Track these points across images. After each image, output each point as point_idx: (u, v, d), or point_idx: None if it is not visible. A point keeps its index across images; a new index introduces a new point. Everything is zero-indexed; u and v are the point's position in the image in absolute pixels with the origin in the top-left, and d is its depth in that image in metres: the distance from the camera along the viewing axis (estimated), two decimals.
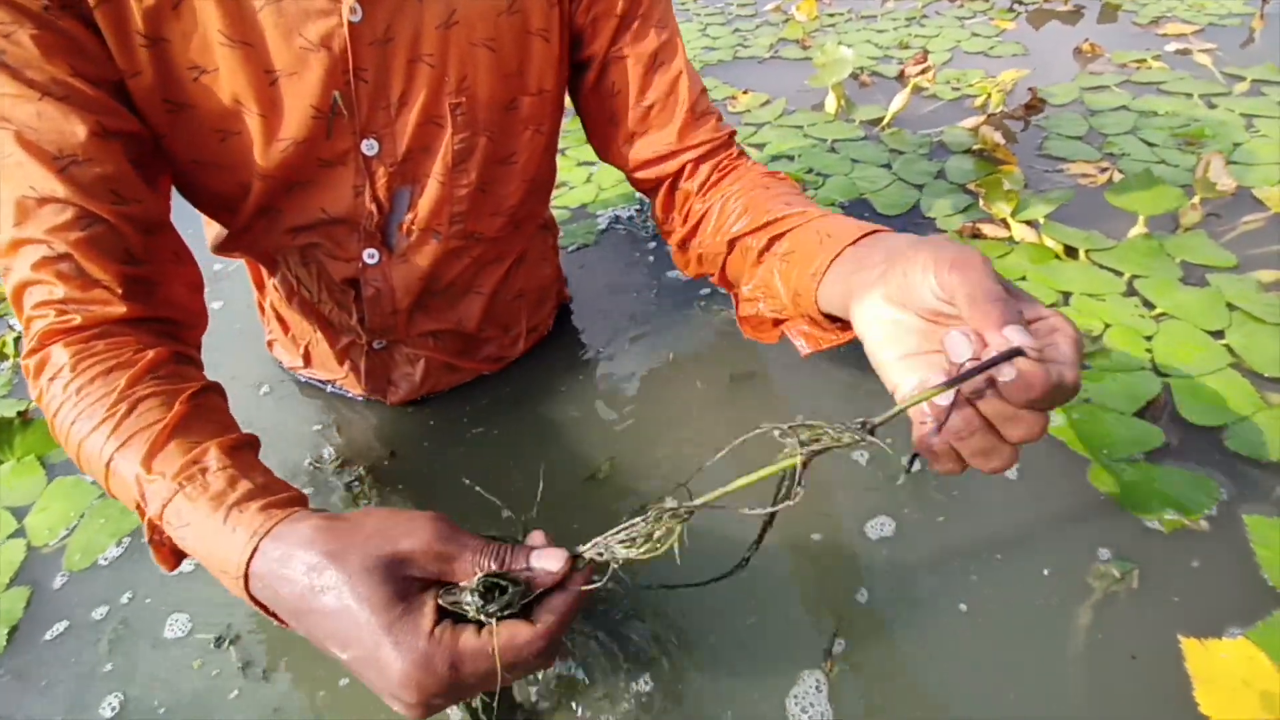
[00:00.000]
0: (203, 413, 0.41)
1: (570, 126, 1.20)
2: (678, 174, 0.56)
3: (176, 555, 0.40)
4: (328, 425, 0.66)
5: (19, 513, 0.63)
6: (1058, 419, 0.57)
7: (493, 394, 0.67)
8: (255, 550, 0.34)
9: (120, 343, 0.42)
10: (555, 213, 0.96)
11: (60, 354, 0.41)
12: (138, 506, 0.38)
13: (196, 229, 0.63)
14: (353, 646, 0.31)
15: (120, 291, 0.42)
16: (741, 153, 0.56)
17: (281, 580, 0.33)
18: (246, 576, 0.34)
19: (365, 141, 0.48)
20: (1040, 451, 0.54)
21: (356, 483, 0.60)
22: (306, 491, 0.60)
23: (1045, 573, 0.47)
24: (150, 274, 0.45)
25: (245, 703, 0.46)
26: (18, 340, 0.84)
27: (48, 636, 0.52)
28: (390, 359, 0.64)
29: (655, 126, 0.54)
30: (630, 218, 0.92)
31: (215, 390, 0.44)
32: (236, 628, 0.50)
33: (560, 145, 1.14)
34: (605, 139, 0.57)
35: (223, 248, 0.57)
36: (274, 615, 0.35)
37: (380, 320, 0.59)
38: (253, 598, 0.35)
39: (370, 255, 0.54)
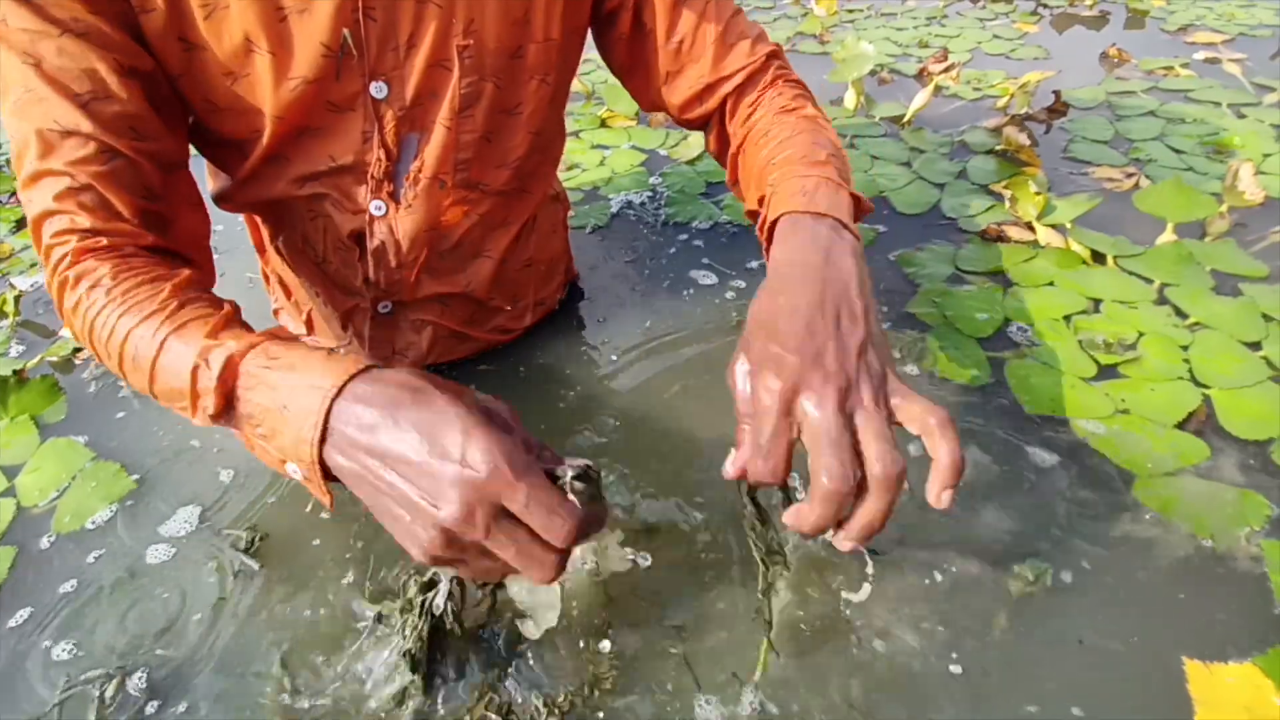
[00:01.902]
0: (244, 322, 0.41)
1: (583, 110, 1.15)
2: (721, 110, 0.52)
3: (223, 398, 0.36)
4: None
5: (10, 472, 0.60)
6: (1097, 427, 0.52)
7: (494, 367, 0.63)
8: (366, 369, 0.33)
9: (154, 260, 0.42)
10: (567, 193, 0.91)
11: (100, 266, 0.40)
12: (193, 373, 0.36)
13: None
14: (439, 434, 0.31)
15: (139, 223, 0.42)
16: (777, 77, 0.52)
17: (388, 384, 0.32)
18: (341, 390, 0.33)
19: (374, 84, 0.46)
20: (1082, 463, 0.50)
21: None
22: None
23: (1064, 585, 0.43)
24: (166, 211, 0.44)
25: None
26: (18, 299, 0.80)
27: (31, 595, 0.49)
28: (395, 326, 0.60)
29: (689, 63, 0.51)
30: (642, 203, 0.87)
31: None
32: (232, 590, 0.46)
33: (574, 128, 1.10)
34: (645, 87, 0.55)
35: (227, 197, 0.54)
36: (338, 448, 0.33)
37: (386, 276, 0.55)
38: (327, 421, 0.33)
39: (377, 207, 0.51)
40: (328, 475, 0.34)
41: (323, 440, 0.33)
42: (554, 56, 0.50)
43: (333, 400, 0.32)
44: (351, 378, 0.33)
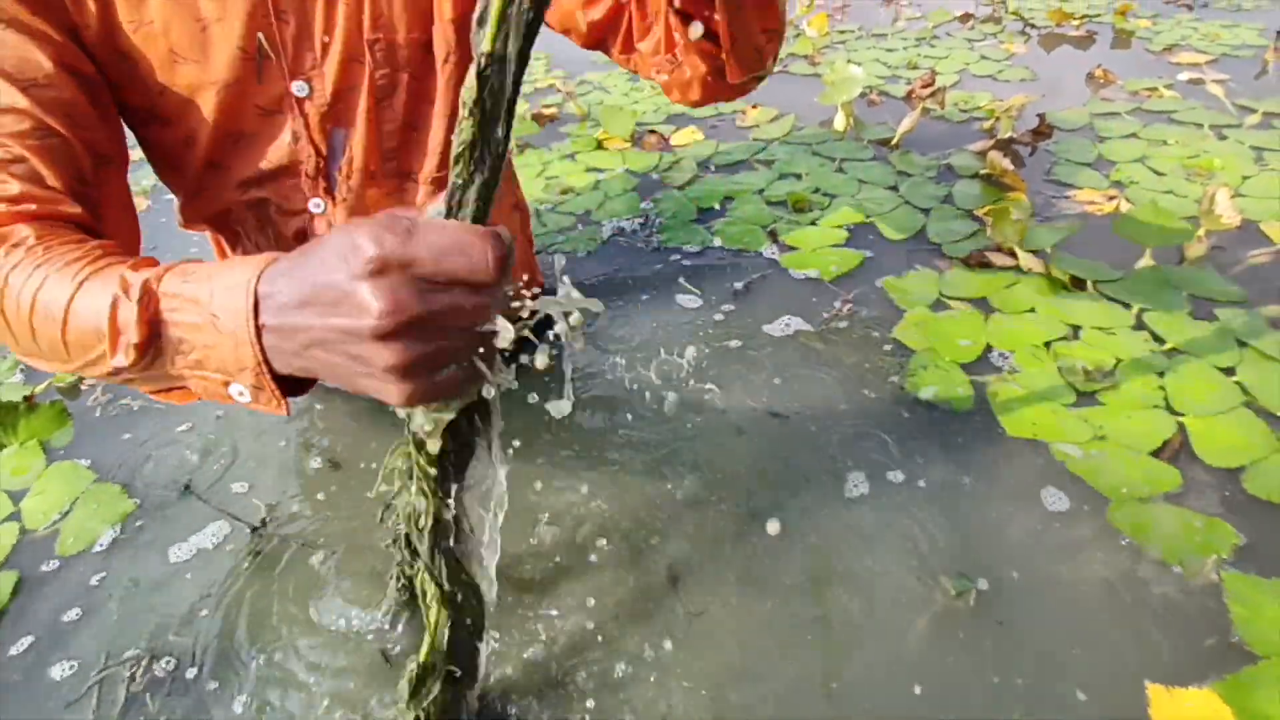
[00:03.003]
0: None
1: (579, 132, 1.17)
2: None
3: (147, 326, 0.32)
4: (305, 419, 0.63)
5: (16, 496, 0.61)
6: (1075, 451, 0.53)
7: None
8: (275, 259, 0.31)
9: (83, 235, 0.40)
10: (559, 218, 0.93)
11: (24, 229, 0.38)
12: (112, 307, 0.33)
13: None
14: (334, 255, 0.28)
15: (70, 198, 0.41)
16: None
17: (299, 251, 0.30)
18: (260, 276, 0.30)
19: (295, 83, 0.49)
20: (1059, 486, 0.51)
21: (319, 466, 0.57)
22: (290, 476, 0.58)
23: (1033, 604, 0.44)
24: (99, 199, 0.44)
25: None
26: None
27: (35, 618, 0.50)
28: None
29: None
30: (634, 230, 0.89)
31: None
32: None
33: (570, 150, 1.11)
34: None
35: (187, 213, 0.57)
36: (273, 332, 0.30)
37: None
38: (257, 313, 0.30)
39: (316, 204, 0.54)
40: (278, 379, 0.32)
41: (260, 337, 0.30)
42: (462, 34, 0.51)
43: (256, 289, 0.30)
44: (270, 263, 0.30)
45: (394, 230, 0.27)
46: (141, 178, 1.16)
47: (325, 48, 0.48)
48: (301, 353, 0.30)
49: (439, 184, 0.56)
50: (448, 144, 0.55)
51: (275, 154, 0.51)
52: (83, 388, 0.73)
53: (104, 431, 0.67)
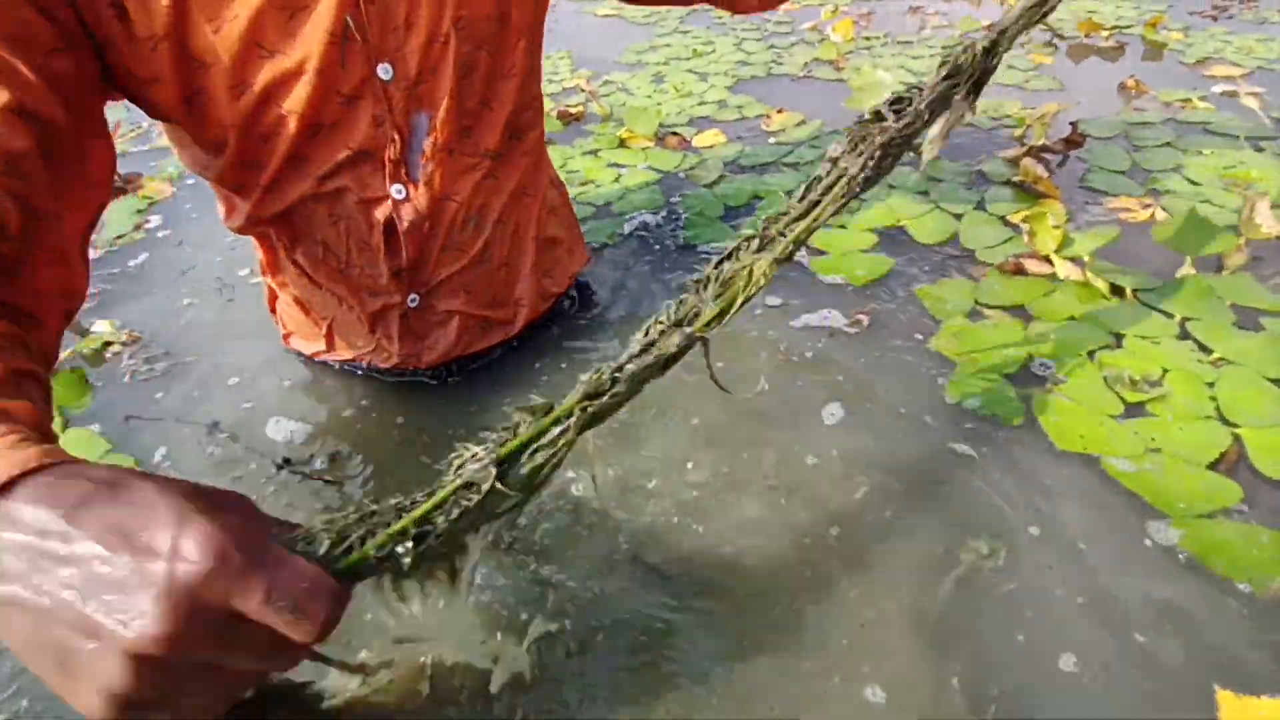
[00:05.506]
0: None
1: (600, 129, 1.15)
2: None
3: None
4: (355, 405, 0.62)
5: None
6: (1130, 467, 0.51)
7: (498, 380, 0.63)
8: (48, 465, 0.25)
9: None
10: (578, 209, 0.91)
11: None
12: None
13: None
14: (140, 527, 0.23)
15: None
16: None
17: (77, 478, 0.24)
18: (8, 489, 0.24)
19: (380, 66, 0.47)
20: (1114, 502, 0.49)
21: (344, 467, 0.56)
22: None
23: (1095, 620, 0.41)
24: (16, 253, 0.35)
25: None
26: None
27: None
28: (424, 320, 0.61)
29: None
30: (658, 224, 0.87)
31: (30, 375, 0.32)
32: None
33: (592, 147, 1.10)
34: None
35: (248, 219, 0.54)
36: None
37: (419, 255, 0.56)
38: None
39: (398, 191, 0.52)
40: None
41: None
42: (529, 8, 0.53)
43: (36, 473, 0.24)
44: (26, 473, 0.24)
45: (246, 548, 0.23)
46: (167, 165, 1.16)
47: (409, 26, 0.47)
48: (7, 609, 0.23)
49: (488, 155, 0.55)
50: (511, 118, 0.56)
51: (355, 141, 0.49)
52: (107, 356, 0.72)
53: (125, 400, 0.66)
